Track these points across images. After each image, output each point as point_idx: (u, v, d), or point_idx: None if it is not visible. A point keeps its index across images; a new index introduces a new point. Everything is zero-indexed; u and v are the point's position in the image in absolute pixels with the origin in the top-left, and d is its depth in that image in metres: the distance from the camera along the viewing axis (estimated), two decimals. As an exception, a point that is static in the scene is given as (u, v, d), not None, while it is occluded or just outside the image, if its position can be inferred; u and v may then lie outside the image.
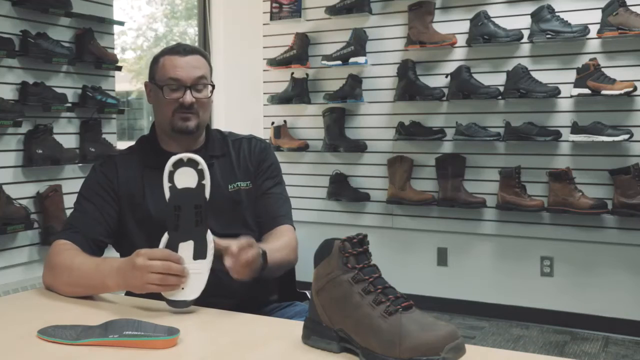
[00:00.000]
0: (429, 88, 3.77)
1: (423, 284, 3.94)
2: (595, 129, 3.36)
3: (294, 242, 1.63)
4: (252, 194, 1.67)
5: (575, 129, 3.42)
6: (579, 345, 3.35)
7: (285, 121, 4.27)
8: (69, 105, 3.24)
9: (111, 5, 3.58)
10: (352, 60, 3.94)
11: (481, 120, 3.72)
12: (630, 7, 3.31)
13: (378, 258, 1.13)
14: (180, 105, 1.58)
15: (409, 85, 3.81)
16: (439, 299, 3.92)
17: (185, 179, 1.35)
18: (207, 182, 1.35)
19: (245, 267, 1.33)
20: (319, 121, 4.16)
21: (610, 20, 3.33)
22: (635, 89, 3.27)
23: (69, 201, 3.09)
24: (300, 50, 4.13)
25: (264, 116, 4.40)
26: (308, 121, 4.27)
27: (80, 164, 3.30)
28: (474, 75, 3.69)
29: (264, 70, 4.39)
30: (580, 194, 3.42)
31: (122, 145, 3.60)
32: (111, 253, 1.69)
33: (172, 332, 1.13)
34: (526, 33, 3.56)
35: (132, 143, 1.76)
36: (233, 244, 1.31)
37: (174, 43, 1.73)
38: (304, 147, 4.17)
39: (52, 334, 1.16)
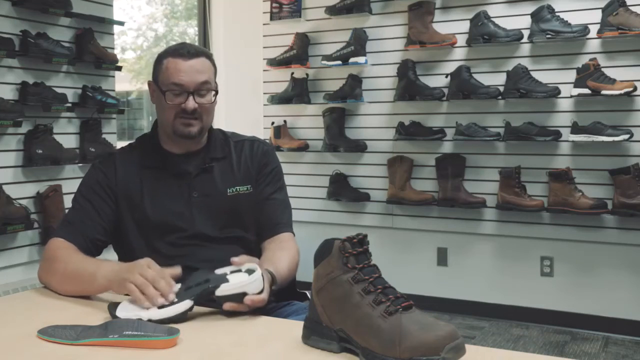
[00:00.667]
0: (429, 88, 3.77)
1: (423, 284, 3.94)
2: (595, 129, 3.36)
3: (297, 255, 1.63)
4: (252, 198, 1.66)
5: (575, 129, 3.42)
6: (579, 345, 3.35)
7: (285, 121, 4.27)
8: (69, 105, 3.24)
9: (111, 5, 3.58)
10: (352, 60, 3.94)
11: (481, 120, 3.72)
12: (630, 7, 3.31)
13: (378, 258, 1.13)
14: (182, 111, 1.57)
15: (409, 85, 3.81)
16: (439, 299, 3.92)
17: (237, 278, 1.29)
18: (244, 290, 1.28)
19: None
20: (319, 121, 4.16)
21: (610, 20, 3.33)
22: (635, 89, 3.27)
23: (69, 201, 3.09)
24: (300, 50, 4.14)
25: (264, 116, 4.40)
26: (308, 121, 4.27)
27: (80, 164, 3.30)
28: (474, 75, 3.69)
29: (264, 70, 4.39)
30: (580, 194, 3.42)
31: (122, 145, 3.60)
32: (111, 253, 1.69)
33: (172, 332, 1.13)
34: (526, 33, 3.56)
35: (133, 142, 1.76)
36: (247, 300, 1.27)
37: (175, 43, 1.72)
38: (304, 147, 4.17)
39: (52, 334, 1.16)
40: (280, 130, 4.23)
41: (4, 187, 2.89)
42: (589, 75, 3.36)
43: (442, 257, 3.96)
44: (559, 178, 3.46)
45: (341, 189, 4.08)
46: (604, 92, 3.32)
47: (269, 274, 1.40)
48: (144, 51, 5.97)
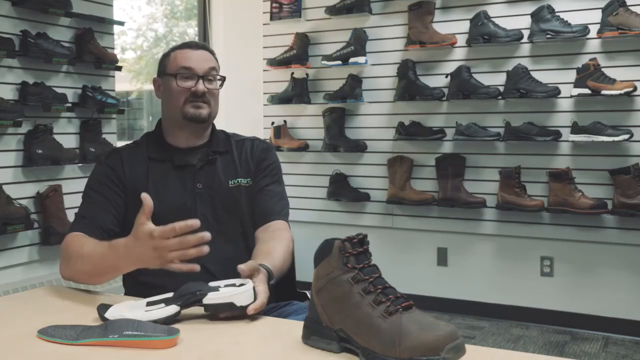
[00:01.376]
0: (429, 88, 3.77)
1: (423, 284, 3.94)
2: (595, 129, 3.36)
3: (291, 243, 1.63)
4: (251, 190, 1.69)
5: (575, 129, 3.42)
6: (579, 345, 3.35)
7: (285, 121, 4.27)
8: (69, 105, 3.24)
9: (111, 5, 3.58)
10: (352, 60, 3.94)
11: (481, 120, 3.72)
12: (630, 7, 3.31)
13: (378, 258, 1.13)
14: (192, 94, 1.63)
15: (409, 85, 3.81)
16: (439, 299, 3.92)
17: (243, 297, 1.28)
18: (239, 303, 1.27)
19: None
20: (319, 121, 4.16)
21: (610, 20, 3.33)
22: (635, 89, 3.27)
23: (69, 201, 3.11)
24: (300, 50, 4.14)
25: (264, 116, 4.40)
26: (308, 121, 4.27)
27: (80, 164, 3.30)
28: (474, 75, 3.69)
29: (264, 70, 4.39)
30: (580, 194, 3.42)
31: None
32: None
33: (172, 332, 1.13)
34: (526, 33, 3.56)
35: (136, 140, 1.79)
36: (250, 308, 1.27)
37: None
38: (304, 147, 4.17)
39: (52, 334, 1.16)
40: (280, 130, 4.23)
41: (4, 187, 2.89)
42: (589, 75, 3.36)
43: (442, 257, 3.96)
44: (559, 178, 3.46)
45: (341, 189, 4.08)
46: (604, 92, 3.32)
47: (265, 269, 1.41)
48: (144, 51, 5.97)
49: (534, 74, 3.54)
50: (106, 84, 3.50)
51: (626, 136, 3.29)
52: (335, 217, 4.19)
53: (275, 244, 1.57)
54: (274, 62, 4.22)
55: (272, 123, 4.27)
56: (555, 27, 3.46)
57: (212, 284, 1.31)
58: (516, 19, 3.62)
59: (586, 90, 3.37)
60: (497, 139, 3.62)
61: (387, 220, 4.05)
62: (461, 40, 3.74)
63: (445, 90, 3.75)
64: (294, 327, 1.20)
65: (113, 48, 3.60)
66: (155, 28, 5.95)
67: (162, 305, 1.26)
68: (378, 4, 4.01)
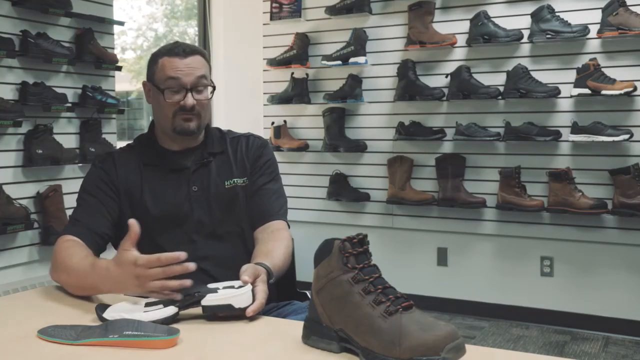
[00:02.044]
0: (429, 88, 3.78)
1: (423, 284, 3.94)
2: (595, 129, 3.36)
3: (290, 243, 1.63)
4: (248, 190, 1.68)
5: (575, 129, 3.42)
6: (579, 345, 3.35)
7: (285, 121, 4.27)
8: (69, 105, 3.24)
9: (111, 5, 3.58)
10: (352, 60, 3.94)
11: (481, 120, 3.72)
12: (630, 7, 3.31)
13: (378, 258, 1.13)
14: (181, 108, 1.59)
15: (409, 85, 3.81)
16: (439, 299, 3.92)
17: (241, 299, 1.28)
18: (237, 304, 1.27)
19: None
20: (319, 121, 4.16)
21: (610, 20, 3.33)
22: (635, 89, 3.27)
23: (69, 201, 3.10)
24: (300, 50, 4.13)
25: (264, 116, 4.40)
26: (308, 121, 4.27)
27: (80, 164, 3.30)
28: (474, 75, 3.69)
29: (264, 70, 4.39)
30: (580, 194, 3.42)
31: (122, 145, 3.61)
32: (112, 251, 1.69)
33: (172, 332, 1.13)
34: (526, 33, 3.56)
35: (131, 142, 1.78)
36: (249, 310, 1.26)
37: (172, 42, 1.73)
38: (304, 147, 4.17)
39: (52, 334, 1.16)
40: (280, 130, 4.22)
41: (4, 187, 2.89)
42: (589, 75, 3.36)
43: (442, 257, 3.96)
44: (559, 178, 3.46)
45: (341, 189, 4.08)
46: (604, 92, 3.32)
47: (264, 267, 1.41)
48: (144, 51, 5.97)
49: (534, 74, 3.54)
50: (106, 84, 3.50)
51: (626, 136, 3.29)
52: (335, 217, 4.19)
53: (275, 244, 1.56)
54: (274, 62, 4.22)
55: (272, 123, 4.27)
56: (555, 27, 3.46)
57: (210, 285, 1.31)
58: (516, 19, 3.62)
59: (586, 90, 3.37)
60: (497, 139, 3.62)
61: (387, 220, 4.05)
62: (461, 40, 3.74)
63: (445, 90, 3.75)
64: (294, 327, 1.20)
65: (113, 48, 3.60)
66: (155, 28, 5.96)
67: (161, 306, 1.26)
68: (378, 4, 4.01)
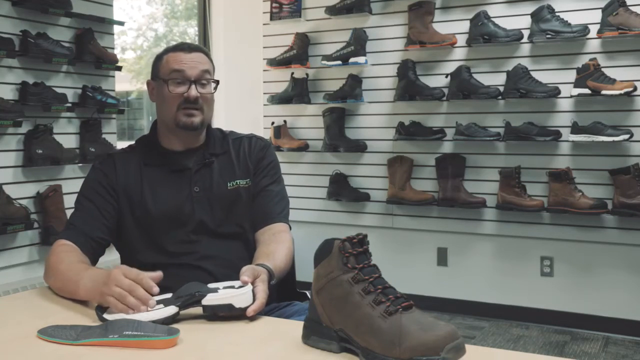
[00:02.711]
0: (429, 88, 3.77)
1: (423, 284, 3.94)
2: (595, 129, 3.36)
3: (292, 246, 1.62)
4: (250, 191, 1.67)
5: (575, 129, 3.42)
6: (579, 345, 3.35)
7: (285, 121, 4.27)
8: (69, 105, 3.24)
9: (111, 5, 3.58)
10: (352, 60, 3.94)
11: (481, 120, 3.72)
12: (630, 7, 3.31)
13: (378, 258, 1.13)
14: (185, 100, 1.59)
15: (409, 85, 3.81)
16: (439, 299, 3.92)
17: (241, 299, 1.27)
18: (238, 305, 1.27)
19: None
20: (319, 121, 4.16)
21: (610, 20, 3.33)
22: (635, 89, 3.27)
23: (69, 201, 3.09)
24: (300, 50, 4.14)
25: (264, 116, 4.41)
26: (308, 121, 4.27)
27: (80, 164, 3.30)
28: (474, 75, 3.69)
29: (264, 70, 4.39)
30: (580, 194, 3.42)
31: (122, 145, 3.61)
32: (113, 252, 1.69)
33: (172, 332, 1.13)
34: (526, 33, 3.56)
35: (132, 143, 1.77)
36: (250, 310, 1.26)
37: (174, 43, 1.74)
38: (304, 147, 4.17)
39: (52, 334, 1.16)
40: (280, 130, 4.23)
41: (4, 187, 2.89)
42: (589, 75, 3.36)
43: (442, 257, 3.96)
44: (559, 178, 3.46)
45: (341, 189, 4.08)
46: (604, 92, 3.32)
47: (266, 268, 1.41)
48: (144, 51, 5.96)
49: (534, 74, 3.54)
50: (106, 84, 3.50)
51: (626, 136, 3.29)
52: (335, 217, 4.19)
53: (277, 246, 1.56)
54: (274, 62, 4.22)
55: (272, 123, 4.27)
56: (555, 27, 3.45)
57: (211, 285, 1.31)
58: (516, 19, 3.62)
59: (586, 90, 3.37)
60: (497, 139, 3.62)
61: (387, 220, 4.05)
62: (461, 40, 3.74)
63: (445, 90, 3.75)
64: (294, 327, 1.20)
65: (113, 48, 3.60)
66: (155, 28, 5.95)
67: (161, 305, 1.26)
68: (378, 4, 4.01)
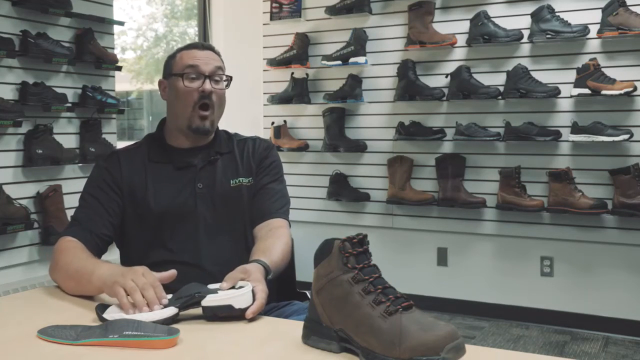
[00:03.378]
0: (429, 88, 3.78)
1: (423, 284, 3.94)
2: (595, 129, 3.36)
3: (289, 241, 1.63)
4: (253, 189, 1.69)
5: (575, 129, 3.42)
6: (579, 345, 3.35)
7: (285, 121, 4.27)
8: (69, 105, 3.24)
9: (111, 5, 3.58)
10: (352, 60, 3.94)
11: (481, 120, 3.72)
12: (630, 7, 3.31)
13: (378, 258, 1.13)
14: (200, 97, 1.61)
15: (409, 85, 3.81)
16: (439, 299, 3.92)
17: (241, 300, 1.27)
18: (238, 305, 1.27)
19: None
20: (319, 121, 4.16)
21: (610, 20, 3.33)
22: (635, 89, 3.27)
23: (69, 201, 3.11)
24: (300, 50, 4.14)
25: (264, 116, 4.41)
26: (308, 121, 4.27)
27: (80, 164, 3.30)
28: (474, 75, 3.70)
29: (264, 70, 4.39)
30: (580, 194, 3.42)
31: (122, 145, 3.61)
32: (113, 252, 1.69)
33: (172, 332, 1.13)
34: (526, 33, 3.56)
35: (136, 141, 1.79)
36: (249, 312, 1.26)
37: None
38: (304, 147, 4.17)
39: (52, 334, 1.16)
40: (280, 130, 4.23)
41: (4, 187, 2.89)
42: (589, 75, 3.36)
43: (442, 257, 3.96)
44: (559, 178, 3.46)
45: (341, 189, 4.08)
46: (604, 92, 3.32)
47: (262, 264, 1.41)
48: (144, 51, 5.96)
49: (534, 74, 3.54)
50: (106, 84, 3.50)
51: (626, 136, 3.29)
52: (335, 217, 4.19)
53: (273, 241, 1.57)
54: (274, 62, 4.22)
55: (272, 123, 4.27)
56: (555, 27, 3.46)
57: (210, 286, 1.31)
58: (516, 19, 3.62)
59: (586, 90, 3.37)
60: (497, 139, 3.62)
61: (387, 220, 4.05)
62: (461, 40, 3.74)
63: (445, 90, 3.75)
64: (294, 327, 1.20)
65: (113, 48, 3.59)
66: (155, 28, 5.95)
67: (161, 306, 1.26)
68: (378, 4, 4.01)
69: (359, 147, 4.01)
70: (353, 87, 3.98)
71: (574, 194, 3.42)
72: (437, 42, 3.74)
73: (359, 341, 1.02)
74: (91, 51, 3.32)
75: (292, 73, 4.20)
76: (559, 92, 3.46)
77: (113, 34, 3.60)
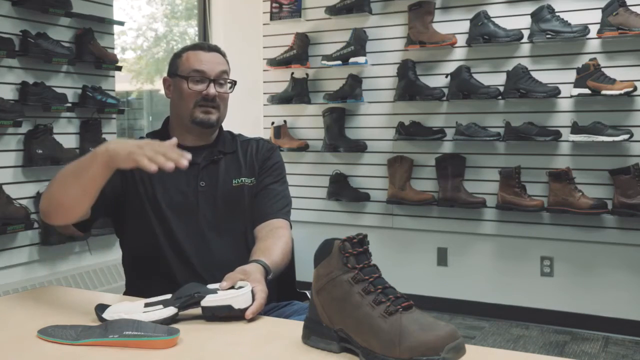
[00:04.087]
0: (429, 88, 3.77)
1: (423, 284, 3.94)
2: (595, 129, 3.36)
3: (290, 243, 1.63)
4: (254, 190, 1.70)
5: (575, 129, 3.42)
6: (579, 345, 3.35)
7: (285, 121, 4.27)
8: (69, 105, 3.24)
9: (111, 5, 3.58)
10: (352, 60, 3.94)
11: (481, 120, 3.72)
12: (630, 7, 3.31)
13: (378, 258, 1.13)
14: (203, 98, 1.63)
15: (409, 85, 3.81)
16: (439, 299, 3.92)
17: (241, 300, 1.27)
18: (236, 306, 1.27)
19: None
20: (319, 121, 4.16)
21: (610, 20, 3.33)
22: (635, 89, 3.27)
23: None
24: (300, 50, 4.14)
25: (264, 116, 4.41)
26: (308, 121, 4.27)
27: (80, 164, 3.29)
28: (474, 75, 3.69)
29: (264, 70, 4.39)
30: (580, 194, 3.42)
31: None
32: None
33: (172, 332, 1.13)
34: (526, 33, 3.56)
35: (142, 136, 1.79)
36: (248, 313, 1.26)
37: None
38: (304, 147, 4.17)
39: (52, 334, 1.16)
40: (280, 130, 4.22)
41: (4, 187, 2.89)
42: (589, 75, 3.36)
43: (442, 257, 3.96)
44: (559, 178, 3.46)
45: (341, 189, 4.08)
46: (604, 92, 3.32)
47: (261, 264, 1.42)
48: (144, 51, 5.96)
49: (534, 74, 3.54)
50: (106, 84, 3.50)
51: (626, 136, 3.29)
52: (335, 217, 4.19)
53: (274, 241, 1.57)
54: (274, 62, 4.22)
55: (272, 123, 4.27)
56: (555, 27, 3.45)
57: (210, 286, 1.31)
58: (516, 19, 3.62)
59: (586, 90, 3.37)
60: (497, 139, 3.62)
61: (387, 220, 4.05)
62: (461, 40, 3.74)
63: (445, 90, 3.75)
64: (294, 327, 1.20)
65: (113, 48, 3.59)
66: (155, 28, 5.94)
67: (160, 306, 1.26)
68: (378, 4, 4.01)
69: (359, 147, 4.01)
70: (353, 87, 3.98)
71: (574, 194, 3.42)
72: (437, 42, 3.74)
73: (359, 341, 1.02)
74: (91, 51, 3.32)
75: (292, 73, 4.20)
76: (559, 92, 3.46)
77: (113, 34, 3.60)
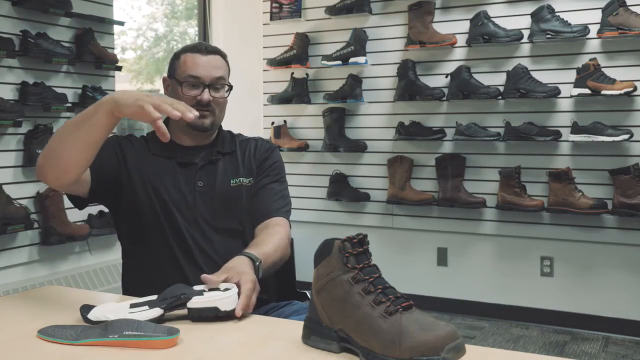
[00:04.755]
0: (429, 88, 3.78)
1: (423, 284, 3.94)
2: (595, 129, 3.36)
3: (287, 239, 1.63)
4: (252, 190, 1.70)
5: (575, 129, 3.42)
6: (579, 345, 3.35)
7: (285, 121, 4.27)
8: (69, 105, 3.24)
9: (111, 5, 3.58)
10: (352, 60, 3.94)
11: (481, 120, 3.72)
12: (630, 7, 3.31)
13: (378, 258, 1.13)
14: (197, 103, 1.63)
15: (409, 85, 3.81)
16: (439, 299, 3.92)
17: (228, 302, 1.27)
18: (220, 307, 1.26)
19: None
20: (319, 121, 4.16)
21: (610, 20, 3.33)
22: (635, 89, 3.27)
23: (69, 201, 3.10)
24: (300, 50, 4.14)
25: (264, 116, 4.41)
26: (308, 121, 4.27)
27: (80, 164, 3.29)
28: (474, 75, 3.69)
29: (264, 70, 4.39)
30: (580, 194, 3.42)
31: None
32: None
33: (172, 332, 1.13)
34: (526, 33, 3.56)
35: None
36: (238, 310, 1.25)
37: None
38: (304, 147, 4.17)
39: (52, 334, 1.16)
40: (280, 130, 4.23)
41: (4, 187, 2.89)
42: (589, 75, 3.36)
43: (442, 257, 3.96)
44: (559, 178, 3.46)
45: (341, 189, 4.08)
46: (604, 92, 3.32)
47: (246, 256, 1.42)
48: (144, 51, 5.96)
49: (534, 74, 3.54)
50: (106, 84, 3.50)
51: (626, 136, 3.29)
52: (335, 217, 4.19)
53: (267, 236, 1.58)
54: (274, 62, 4.22)
55: (272, 123, 4.27)
56: (555, 27, 3.45)
57: (196, 287, 1.30)
58: (516, 19, 3.62)
59: (586, 90, 3.37)
60: (497, 139, 3.62)
61: (387, 220, 4.05)
62: (461, 40, 3.74)
63: (445, 90, 3.75)
64: (294, 327, 1.20)
65: (113, 48, 3.59)
66: (155, 28, 5.94)
67: (146, 307, 1.25)
68: (378, 4, 4.01)
69: (359, 147, 4.01)
70: (353, 87, 3.98)
71: (574, 194, 3.42)
72: (437, 42, 3.74)
73: (359, 341, 1.02)
74: (91, 51, 3.32)
75: (292, 73, 4.20)
76: (559, 92, 3.46)
77: (113, 34, 3.60)
